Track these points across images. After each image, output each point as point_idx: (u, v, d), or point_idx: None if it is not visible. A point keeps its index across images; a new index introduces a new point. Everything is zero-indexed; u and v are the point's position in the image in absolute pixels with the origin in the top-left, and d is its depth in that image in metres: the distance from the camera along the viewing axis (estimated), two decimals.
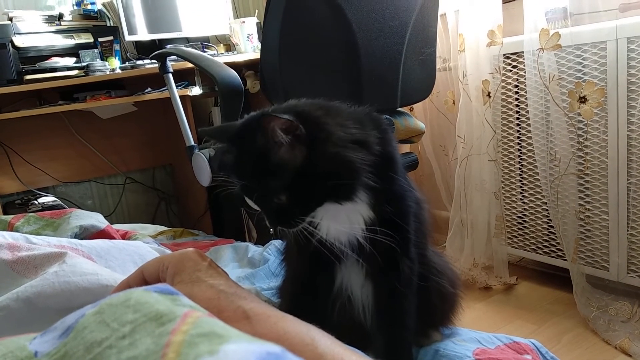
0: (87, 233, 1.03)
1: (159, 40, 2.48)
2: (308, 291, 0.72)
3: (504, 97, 1.83)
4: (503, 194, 1.92)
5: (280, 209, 0.62)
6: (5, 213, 2.20)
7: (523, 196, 1.87)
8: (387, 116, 1.54)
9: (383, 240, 0.64)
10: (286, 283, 0.82)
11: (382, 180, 0.64)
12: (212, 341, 0.33)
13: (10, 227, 1.03)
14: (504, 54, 1.79)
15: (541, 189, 1.76)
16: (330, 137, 0.61)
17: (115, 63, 2.28)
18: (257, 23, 2.45)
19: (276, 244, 1.21)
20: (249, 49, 2.42)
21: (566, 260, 1.71)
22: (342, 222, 0.66)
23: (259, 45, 2.22)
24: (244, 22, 2.42)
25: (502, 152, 1.89)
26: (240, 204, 0.66)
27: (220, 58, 2.16)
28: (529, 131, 1.74)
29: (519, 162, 1.86)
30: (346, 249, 0.67)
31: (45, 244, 0.76)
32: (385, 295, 0.69)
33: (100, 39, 2.36)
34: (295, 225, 0.63)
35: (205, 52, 2.41)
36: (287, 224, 0.63)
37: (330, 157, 0.60)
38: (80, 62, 2.23)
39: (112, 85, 2.23)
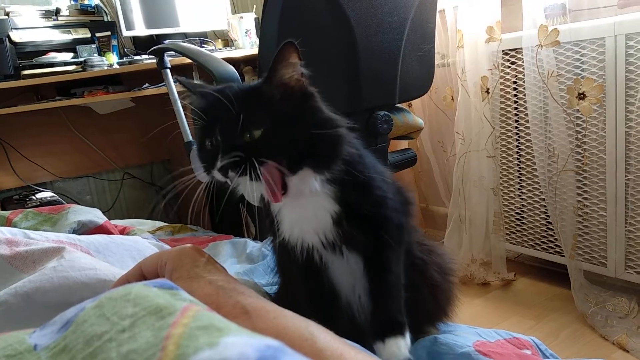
0: (86, 228, 1.03)
1: (157, 35, 2.48)
2: (301, 296, 0.72)
3: (502, 93, 1.83)
4: (501, 190, 1.92)
5: (244, 147, 0.58)
6: (3, 208, 2.20)
7: (521, 192, 1.88)
8: (386, 112, 1.54)
9: (355, 233, 0.64)
10: (281, 292, 0.82)
11: (346, 174, 0.64)
12: (211, 334, 0.33)
13: (8, 223, 1.02)
14: (503, 50, 1.79)
15: (539, 185, 1.76)
16: (318, 98, 0.64)
17: (112, 58, 2.27)
18: (255, 18, 2.45)
19: None
20: (247, 45, 2.41)
21: (564, 256, 1.71)
22: (308, 219, 0.65)
23: (257, 40, 2.22)
24: (242, 17, 2.42)
25: (500, 149, 1.89)
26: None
27: (218, 53, 2.15)
28: (528, 127, 1.74)
29: (518, 159, 1.86)
30: (316, 249, 0.66)
31: (43, 239, 0.76)
32: (373, 268, 0.68)
33: (97, 34, 2.35)
34: (249, 169, 0.57)
35: (203, 47, 2.41)
36: (239, 165, 0.58)
37: (318, 110, 0.62)
38: (78, 58, 2.22)
39: (109, 81, 2.22)
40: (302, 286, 0.71)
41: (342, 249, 0.67)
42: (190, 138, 1.70)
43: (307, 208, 0.64)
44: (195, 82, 0.66)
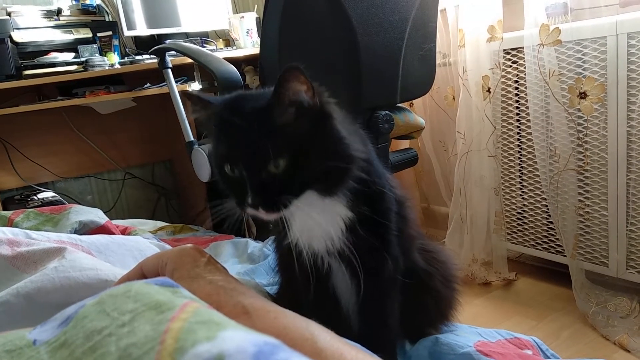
0: (87, 228, 1.04)
1: (158, 35, 2.48)
2: (302, 297, 0.72)
3: (503, 92, 1.83)
4: (503, 189, 1.92)
5: (271, 182, 0.56)
6: (4, 209, 2.20)
7: (523, 192, 1.88)
8: (387, 112, 1.54)
9: (363, 240, 0.63)
10: (281, 291, 0.82)
11: (361, 180, 0.62)
12: (210, 328, 0.33)
13: (9, 223, 1.03)
14: (504, 50, 1.79)
15: (541, 185, 1.76)
16: (336, 115, 0.60)
17: (114, 58, 2.27)
18: (257, 18, 2.45)
19: None
20: (248, 44, 2.41)
21: (565, 256, 1.71)
22: (318, 225, 0.63)
23: (258, 40, 2.22)
24: (243, 17, 2.42)
25: (501, 148, 1.89)
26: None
27: (219, 53, 2.15)
28: (529, 127, 1.74)
29: (519, 158, 1.86)
30: (320, 255, 0.65)
31: (44, 239, 0.76)
32: (368, 296, 0.68)
33: (99, 34, 2.35)
34: (279, 207, 0.56)
35: (204, 47, 2.41)
36: (272, 204, 0.56)
37: (335, 134, 0.58)
38: (79, 57, 2.22)
39: (111, 81, 2.22)
40: (303, 289, 0.71)
41: (348, 257, 0.66)
42: (192, 138, 1.70)
43: (319, 214, 0.62)
44: (204, 95, 0.62)
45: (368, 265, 0.66)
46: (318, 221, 0.62)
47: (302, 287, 0.71)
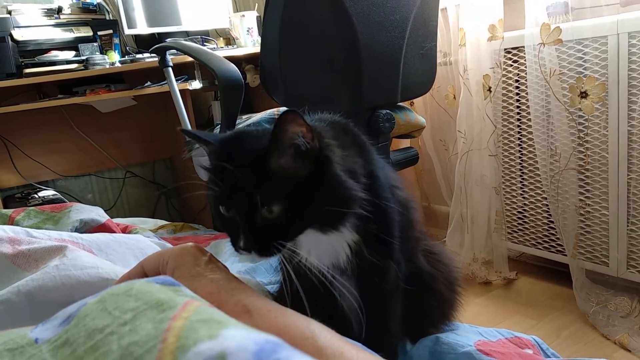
0: (88, 227, 1.04)
1: (159, 33, 2.48)
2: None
3: (504, 91, 1.83)
4: (503, 189, 1.92)
5: (264, 227, 0.55)
6: (5, 207, 2.20)
7: (523, 191, 1.87)
8: (388, 111, 1.54)
9: (369, 256, 0.63)
10: (281, 291, 0.81)
11: (368, 203, 0.60)
12: (211, 326, 0.33)
13: (10, 221, 1.03)
14: (505, 49, 1.79)
15: (541, 184, 1.76)
16: (335, 159, 0.57)
17: (114, 57, 2.27)
18: (257, 17, 2.45)
19: None
20: (249, 43, 2.41)
21: (566, 255, 1.71)
22: (325, 248, 0.62)
23: (259, 39, 2.22)
24: (243, 15, 2.42)
25: (502, 147, 1.89)
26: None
27: (220, 52, 2.15)
28: (530, 126, 1.74)
29: (520, 157, 1.86)
30: (329, 272, 0.64)
31: (45, 237, 0.76)
32: (370, 301, 0.68)
33: (99, 33, 2.35)
34: (274, 251, 0.56)
35: (205, 45, 2.41)
36: (265, 249, 0.55)
37: (335, 179, 0.56)
38: (80, 56, 2.22)
39: (111, 79, 2.23)
40: (306, 297, 0.71)
41: (353, 275, 0.65)
42: None
43: (326, 236, 0.61)
44: (202, 133, 0.60)
45: (371, 273, 0.66)
46: (325, 244, 0.62)
47: (304, 293, 0.70)
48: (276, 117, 1.51)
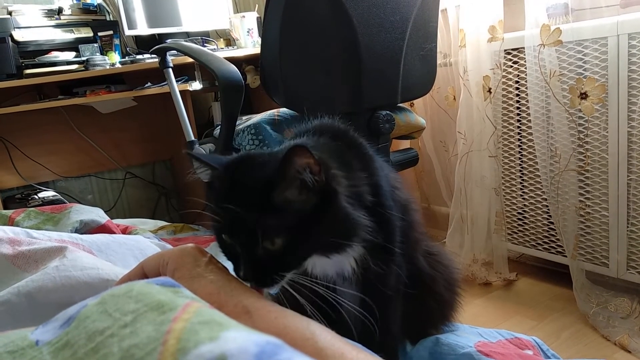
0: (88, 228, 1.03)
1: (159, 34, 2.48)
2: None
3: (504, 93, 1.83)
4: (503, 190, 1.92)
5: (266, 259, 0.54)
6: (5, 208, 2.20)
7: (523, 192, 1.87)
8: (388, 112, 1.54)
9: (374, 267, 0.63)
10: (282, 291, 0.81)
11: (373, 218, 0.60)
12: (212, 328, 0.33)
13: (10, 222, 1.03)
14: (505, 50, 1.79)
15: (541, 185, 1.76)
16: (341, 190, 0.56)
17: (115, 57, 2.27)
18: (258, 18, 2.45)
19: None
20: (249, 44, 2.41)
21: (566, 256, 1.71)
22: (331, 263, 0.62)
23: (259, 40, 2.22)
24: (244, 16, 2.42)
25: (502, 148, 1.89)
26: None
27: (220, 53, 2.16)
28: (530, 127, 1.74)
29: (520, 158, 1.86)
30: (332, 280, 0.65)
31: (45, 238, 0.76)
32: (370, 302, 0.67)
33: (99, 33, 2.35)
34: (274, 283, 0.55)
35: (205, 46, 2.41)
36: (264, 280, 0.55)
37: (340, 212, 0.55)
38: (80, 57, 2.22)
39: (111, 80, 2.23)
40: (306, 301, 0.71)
41: (356, 282, 0.66)
42: (193, 137, 1.70)
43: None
44: (208, 157, 0.59)
45: (374, 280, 0.66)
46: (330, 260, 0.61)
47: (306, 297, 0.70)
48: (276, 117, 1.52)
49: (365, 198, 0.60)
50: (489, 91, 1.83)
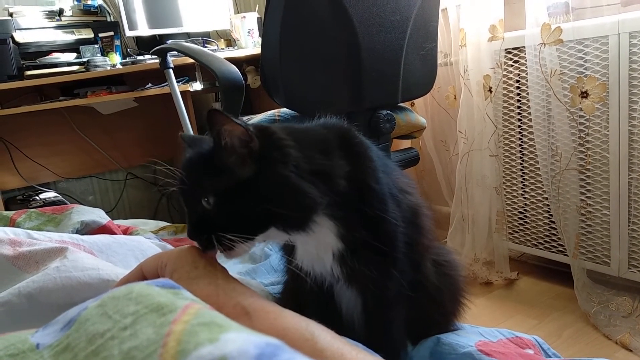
0: (89, 228, 1.04)
1: (160, 35, 2.48)
2: (301, 302, 0.71)
3: (505, 92, 1.83)
4: (504, 189, 1.92)
5: (204, 216, 0.56)
6: (6, 209, 2.21)
7: (524, 191, 1.87)
8: (388, 111, 1.54)
9: (360, 266, 0.62)
10: (285, 292, 0.81)
11: (354, 210, 0.60)
12: (212, 330, 0.33)
13: (11, 223, 1.03)
14: (506, 49, 1.79)
15: (542, 184, 1.76)
16: (288, 160, 0.56)
17: (115, 58, 2.27)
18: (258, 18, 2.45)
19: None
20: (250, 44, 2.41)
21: (567, 255, 1.71)
22: (313, 256, 0.63)
23: (260, 40, 2.22)
24: (244, 17, 2.42)
25: (503, 147, 1.88)
26: None
27: (220, 53, 2.16)
28: (530, 126, 1.74)
29: (520, 157, 1.85)
30: (323, 277, 0.64)
31: (46, 239, 0.76)
32: (371, 309, 0.67)
33: (100, 35, 2.35)
34: (222, 243, 0.56)
35: (205, 47, 2.41)
36: (204, 238, 0.57)
37: (280, 180, 0.55)
38: (81, 58, 2.22)
39: (112, 81, 2.23)
40: (307, 300, 0.70)
41: (346, 282, 0.65)
42: None
43: (312, 240, 0.61)
44: (195, 136, 0.62)
45: (370, 283, 0.65)
46: (312, 251, 0.62)
47: (305, 296, 0.70)
48: (277, 118, 1.52)
49: (335, 182, 0.59)
50: (490, 90, 1.83)
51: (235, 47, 2.46)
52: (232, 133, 0.55)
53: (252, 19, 2.43)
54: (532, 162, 1.80)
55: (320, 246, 0.62)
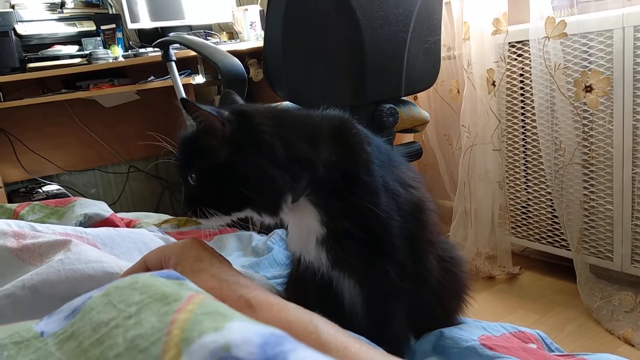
0: (92, 221, 1.04)
1: (162, 28, 2.47)
2: (304, 294, 0.71)
3: (508, 86, 1.82)
4: (507, 183, 1.91)
5: (193, 192, 0.61)
6: (10, 201, 2.21)
7: (527, 186, 1.87)
8: (392, 105, 1.53)
9: (347, 255, 0.63)
10: (289, 283, 0.81)
11: (338, 199, 0.61)
12: (216, 319, 0.33)
13: (15, 216, 1.03)
14: (509, 43, 1.78)
15: (545, 179, 1.75)
16: (260, 145, 0.58)
17: (117, 51, 2.27)
18: (260, 11, 2.44)
19: (280, 232, 1.21)
20: (252, 37, 2.41)
21: (570, 250, 1.71)
22: (300, 236, 0.65)
23: (262, 33, 2.22)
24: (247, 9, 2.41)
25: (506, 142, 1.88)
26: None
27: (223, 46, 2.15)
28: (534, 120, 1.73)
29: (524, 152, 1.85)
30: (313, 263, 0.65)
31: (50, 232, 0.76)
32: (370, 300, 0.67)
33: (102, 27, 2.35)
34: (202, 215, 0.60)
35: (208, 40, 2.40)
36: (194, 211, 0.61)
37: (250, 165, 0.58)
38: (83, 50, 2.22)
39: (114, 74, 2.23)
40: (308, 286, 0.70)
41: (335, 269, 0.65)
42: None
43: (297, 224, 0.64)
44: (201, 106, 0.63)
45: (360, 273, 0.65)
46: (298, 234, 0.65)
47: (308, 282, 0.70)
48: None
49: (319, 170, 0.60)
50: (493, 84, 1.82)
51: (238, 40, 2.45)
52: (205, 120, 0.59)
53: (254, 12, 2.42)
54: (535, 156, 1.79)
55: (304, 230, 0.64)
